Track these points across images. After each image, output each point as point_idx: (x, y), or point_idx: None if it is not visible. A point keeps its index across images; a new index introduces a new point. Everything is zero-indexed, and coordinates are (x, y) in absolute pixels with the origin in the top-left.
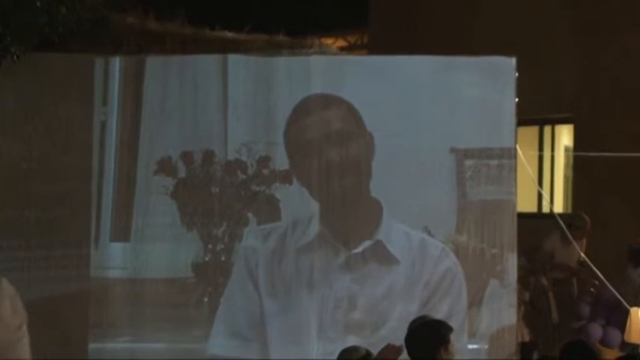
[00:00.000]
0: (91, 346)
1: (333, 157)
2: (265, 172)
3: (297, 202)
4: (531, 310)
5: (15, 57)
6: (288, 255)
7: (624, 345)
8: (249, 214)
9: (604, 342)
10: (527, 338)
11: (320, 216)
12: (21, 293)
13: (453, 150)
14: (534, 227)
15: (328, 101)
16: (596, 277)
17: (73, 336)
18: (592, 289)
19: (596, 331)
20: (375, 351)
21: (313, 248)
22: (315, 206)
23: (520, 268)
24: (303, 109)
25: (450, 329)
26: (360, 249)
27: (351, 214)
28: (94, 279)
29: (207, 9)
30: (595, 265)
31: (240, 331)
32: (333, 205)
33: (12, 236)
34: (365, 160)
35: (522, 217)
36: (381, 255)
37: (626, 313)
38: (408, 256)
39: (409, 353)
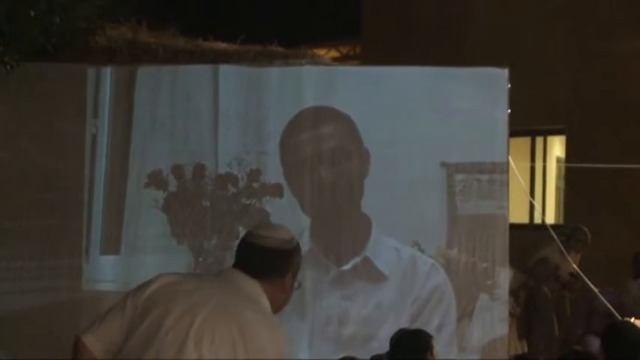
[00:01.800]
0: None
1: (325, 176)
2: (256, 185)
3: (288, 216)
4: (538, 320)
5: (8, 67)
6: None
7: None
8: (240, 228)
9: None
10: (520, 351)
11: (310, 232)
12: (12, 303)
13: (443, 164)
14: (526, 238)
15: (326, 115)
16: (590, 289)
17: (64, 347)
18: (590, 299)
19: (594, 342)
20: None
21: (303, 265)
22: (305, 221)
23: (516, 279)
24: (300, 122)
25: (430, 335)
26: (349, 266)
27: (341, 230)
28: (85, 291)
29: (199, 20)
30: (587, 276)
31: None
32: (324, 222)
33: (4, 246)
34: (358, 178)
35: (514, 228)
36: (370, 272)
37: None
38: (397, 272)
39: None
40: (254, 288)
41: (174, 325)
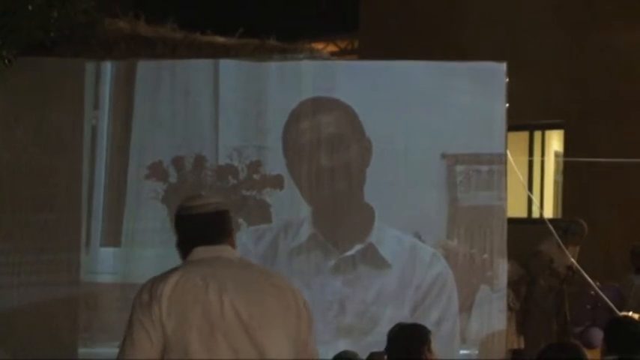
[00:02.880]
0: (81, 350)
1: (325, 162)
2: (256, 177)
3: (288, 207)
4: (538, 313)
5: (6, 61)
6: (280, 257)
7: None
8: (240, 219)
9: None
10: (517, 346)
11: (312, 218)
12: (11, 297)
13: (444, 156)
14: (524, 232)
15: (327, 104)
16: (588, 283)
17: (62, 340)
18: (592, 292)
19: (597, 335)
20: (365, 354)
21: (305, 250)
22: (306, 210)
23: (516, 272)
24: (303, 111)
25: (428, 330)
26: (352, 252)
27: (343, 217)
28: (84, 283)
29: (198, 14)
30: (585, 270)
31: None
32: (326, 209)
33: (2, 240)
34: (359, 165)
35: (512, 222)
36: (373, 258)
37: None
38: (399, 260)
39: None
40: (232, 252)
41: (224, 311)
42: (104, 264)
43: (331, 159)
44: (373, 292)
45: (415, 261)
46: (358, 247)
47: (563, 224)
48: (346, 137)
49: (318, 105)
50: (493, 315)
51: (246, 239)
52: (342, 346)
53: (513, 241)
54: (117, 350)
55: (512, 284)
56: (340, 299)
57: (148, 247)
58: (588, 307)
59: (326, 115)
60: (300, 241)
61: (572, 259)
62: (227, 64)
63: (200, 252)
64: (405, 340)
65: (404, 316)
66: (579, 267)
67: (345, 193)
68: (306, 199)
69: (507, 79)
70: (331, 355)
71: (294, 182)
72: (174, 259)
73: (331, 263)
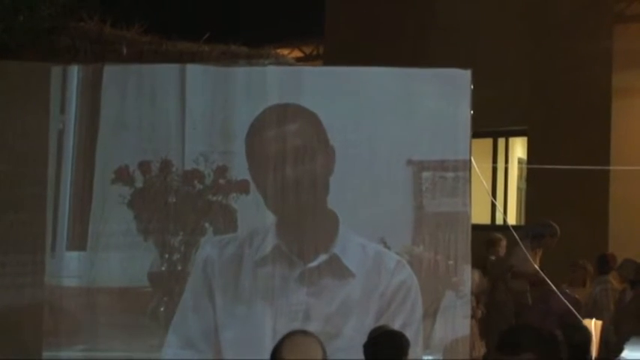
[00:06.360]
0: (45, 354)
1: (289, 173)
2: (222, 182)
3: (254, 212)
4: (499, 319)
5: None
6: (244, 267)
7: None
8: (206, 224)
9: None
10: (482, 351)
11: (276, 228)
12: None
13: (409, 162)
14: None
15: (292, 113)
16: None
17: (27, 344)
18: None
19: None
20: None
21: (270, 262)
22: (271, 217)
23: (482, 283)
24: (266, 119)
25: (408, 340)
26: (316, 263)
27: (307, 227)
28: (49, 287)
29: (164, 19)
30: (549, 277)
31: (194, 342)
32: (289, 219)
33: None
34: (323, 175)
35: (476, 228)
36: (337, 268)
37: None
38: (364, 269)
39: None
40: None
41: None
42: (70, 268)
43: (296, 170)
44: (337, 303)
45: (380, 269)
46: (322, 257)
47: (538, 228)
48: (311, 148)
49: (285, 113)
50: (458, 321)
51: (211, 248)
52: None
53: (477, 247)
54: (82, 354)
55: (474, 293)
56: (305, 309)
57: (114, 251)
58: (540, 314)
59: (292, 125)
60: (264, 253)
61: (535, 266)
62: (193, 69)
63: None
64: (385, 344)
65: (368, 323)
66: (541, 272)
67: (310, 204)
68: (270, 209)
69: (472, 86)
70: None
71: (256, 190)
72: (139, 263)
73: (295, 274)
